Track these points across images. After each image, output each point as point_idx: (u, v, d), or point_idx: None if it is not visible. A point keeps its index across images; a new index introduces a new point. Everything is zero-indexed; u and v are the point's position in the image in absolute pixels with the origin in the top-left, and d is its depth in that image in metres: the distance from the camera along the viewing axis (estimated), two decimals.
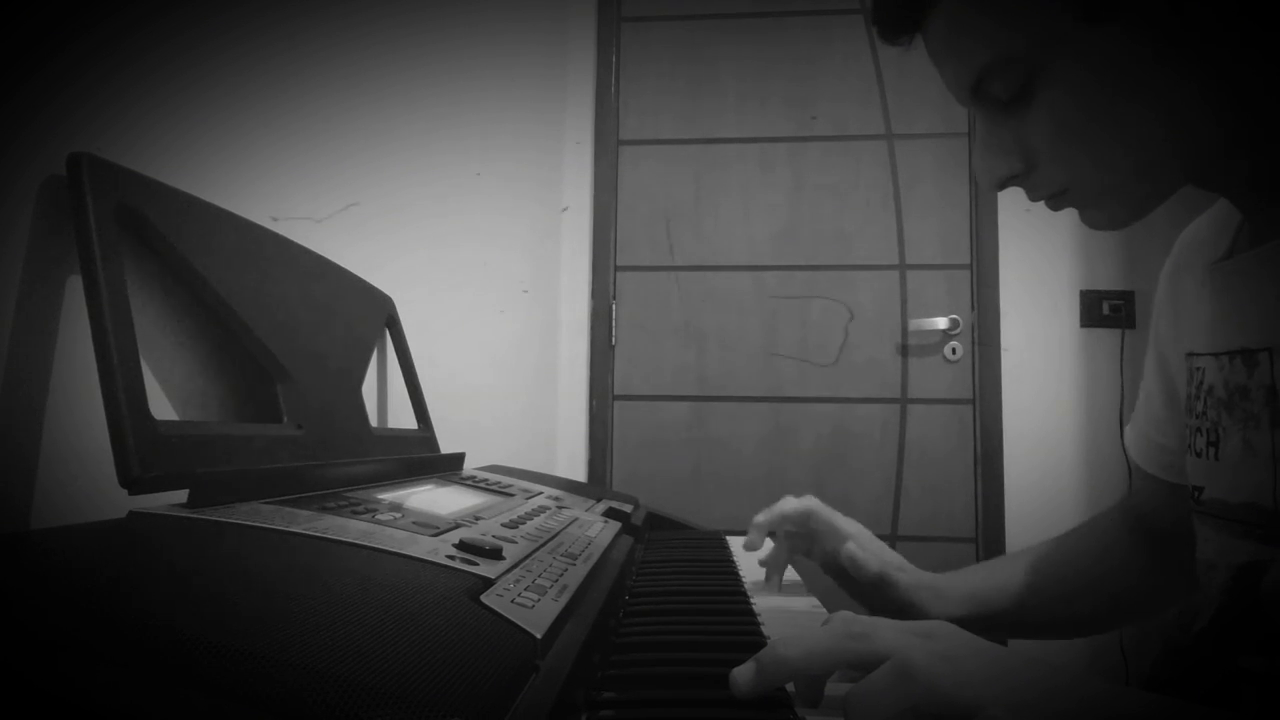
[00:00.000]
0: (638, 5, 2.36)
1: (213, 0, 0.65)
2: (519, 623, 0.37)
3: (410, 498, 0.60)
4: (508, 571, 0.45)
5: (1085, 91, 0.49)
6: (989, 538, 2.11)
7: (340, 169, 0.89)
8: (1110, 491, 2.06)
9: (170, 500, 0.43)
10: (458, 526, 0.53)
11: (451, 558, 0.43)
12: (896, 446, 2.18)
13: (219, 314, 0.57)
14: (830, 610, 0.57)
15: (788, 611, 0.68)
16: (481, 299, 1.45)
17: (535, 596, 0.42)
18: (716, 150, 2.31)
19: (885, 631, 0.39)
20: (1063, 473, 2.10)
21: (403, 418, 0.96)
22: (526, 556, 0.51)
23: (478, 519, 0.58)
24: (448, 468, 0.84)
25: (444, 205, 1.22)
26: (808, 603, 0.73)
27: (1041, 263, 2.16)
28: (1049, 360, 2.14)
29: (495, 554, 0.46)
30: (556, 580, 0.48)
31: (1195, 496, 0.60)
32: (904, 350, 2.20)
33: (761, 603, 0.69)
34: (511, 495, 0.77)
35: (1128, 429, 0.79)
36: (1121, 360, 2.09)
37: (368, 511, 0.50)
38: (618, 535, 0.76)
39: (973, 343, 2.18)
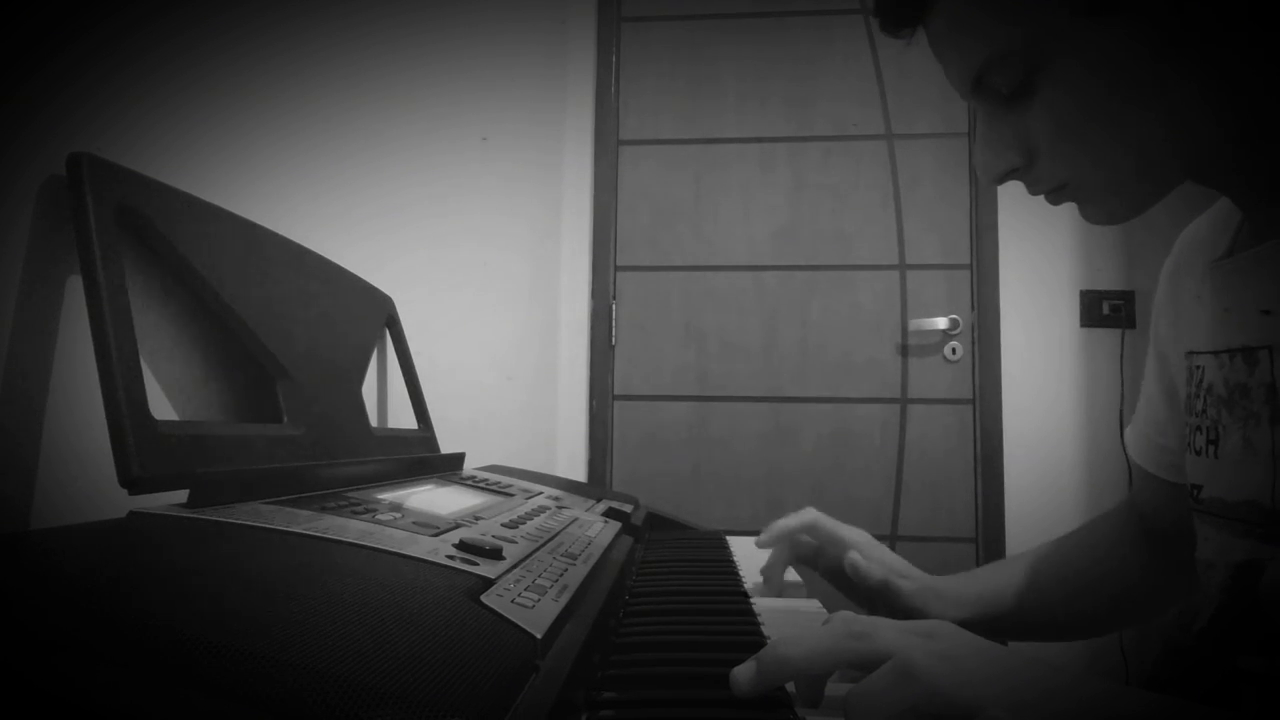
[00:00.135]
0: (638, 5, 2.36)
1: (213, 0, 0.65)
2: (519, 623, 0.37)
3: (410, 498, 0.60)
4: (508, 571, 0.45)
5: (1085, 90, 0.49)
6: (989, 538, 2.11)
7: (340, 169, 0.89)
8: (1110, 491, 2.06)
9: (170, 500, 0.43)
10: (458, 526, 0.53)
11: (451, 558, 0.43)
12: (896, 447, 2.18)
13: (219, 314, 0.57)
14: (830, 610, 0.57)
15: (788, 611, 0.68)
16: (481, 299, 1.45)
17: (535, 596, 0.42)
18: (716, 150, 2.31)
19: (886, 631, 0.39)
20: (1063, 473, 2.10)
21: (403, 418, 0.96)
22: (526, 556, 0.51)
23: (478, 519, 0.58)
24: (448, 468, 0.84)
25: (444, 205, 1.22)
26: (808, 603, 0.73)
27: (1041, 263, 2.16)
28: (1049, 360, 2.14)
29: (495, 554, 0.46)
30: (556, 580, 0.48)
31: (1194, 495, 0.60)
32: (904, 350, 2.20)
33: (761, 603, 0.69)
34: (511, 495, 0.77)
35: (1129, 429, 0.79)
36: (1121, 360, 2.09)
37: (368, 511, 0.50)
38: (618, 535, 0.76)
39: (973, 343, 2.18)
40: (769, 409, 2.22)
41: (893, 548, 0.78)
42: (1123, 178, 0.52)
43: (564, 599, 0.44)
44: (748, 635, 0.55)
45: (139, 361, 0.45)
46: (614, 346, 2.29)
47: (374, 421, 0.80)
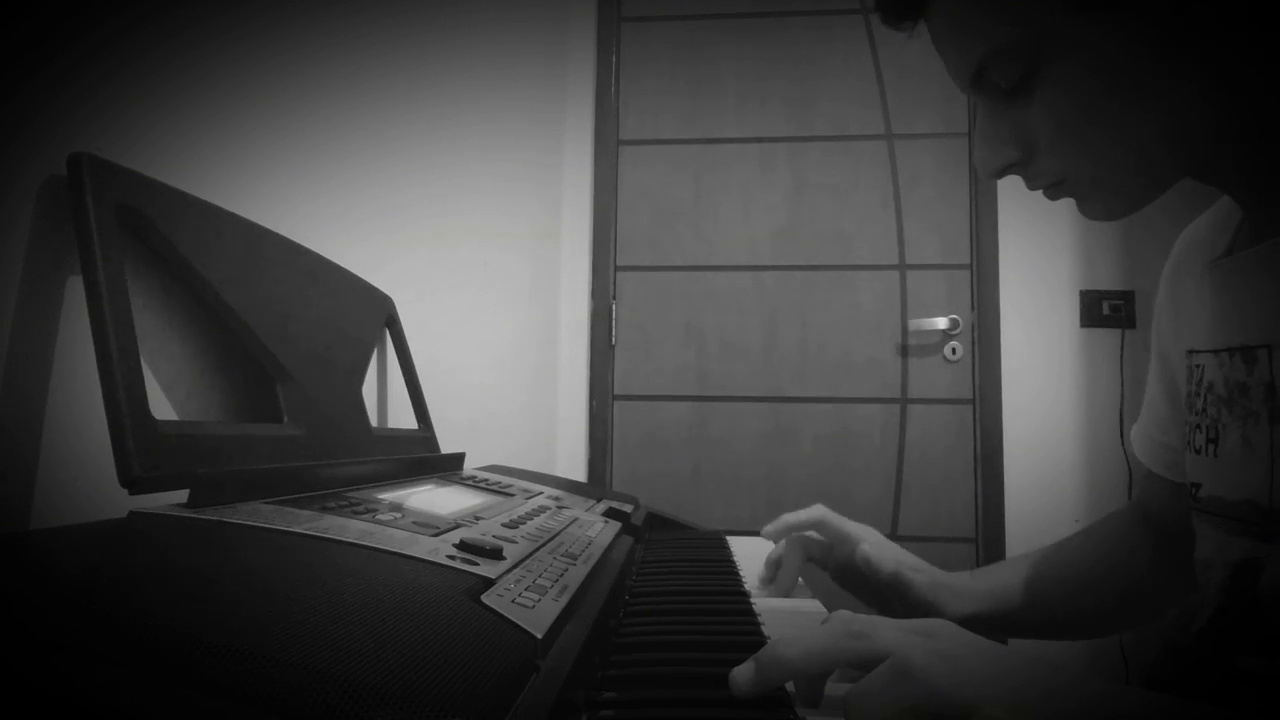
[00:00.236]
0: (638, 5, 2.36)
1: (213, 0, 0.65)
2: (519, 623, 0.37)
3: (410, 498, 0.60)
4: (508, 571, 0.45)
5: (1084, 88, 0.49)
6: (989, 538, 2.11)
7: (340, 169, 0.89)
8: (1110, 491, 2.06)
9: (170, 500, 0.43)
10: (458, 526, 0.53)
11: (452, 558, 0.43)
12: (896, 447, 2.18)
13: (219, 314, 0.57)
14: (830, 610, 0.57)
15: (788, 612, 0.68)
16: (481, 299, 1.45)
17: (535, 596, 0.42)
18: (716, 150, 2.31)
19: (885, 630, 0.39)
20: (1063, 473, 2.10)
21: (403, 418, 0.96)
22: (527, 556, 0.51)
23: (478, 519, 0.58)
24: (448, 468, 0.84)
25: (444, 205, 1.22)
26: (808, 603, 0.73)
27: (1041, 263, 2.16)
28: (1049, 360, 2.14)
29: (495, 554, 0.46)
30: (557, 580, 0.48)
31: (1193, 494, 0.60)
32: (904, 350, 2.20)
33: (761, 603, 0.69)
34: (511, 495, 0.77)
35: (1134, 428, 0.79)
36: (1121, 360, 2.09)
37: (368, 511, 0.50)
38: (618, 535, 0.76)
39: (973, 343, 2.18)
40: (769, 409, 2.22)
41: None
42: (1121, 175, 0.52)
43: (564, 599, 0.44)
44: (748, 635, 0.55)
45: (139, 361, 0.45)
46: (614, 346, 2.29)
47: (374, 421, 0.80)
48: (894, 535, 2.14)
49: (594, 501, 0.92)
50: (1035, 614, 0.76)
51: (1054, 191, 0.55)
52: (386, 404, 0.97)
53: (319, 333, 0.70)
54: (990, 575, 0.79)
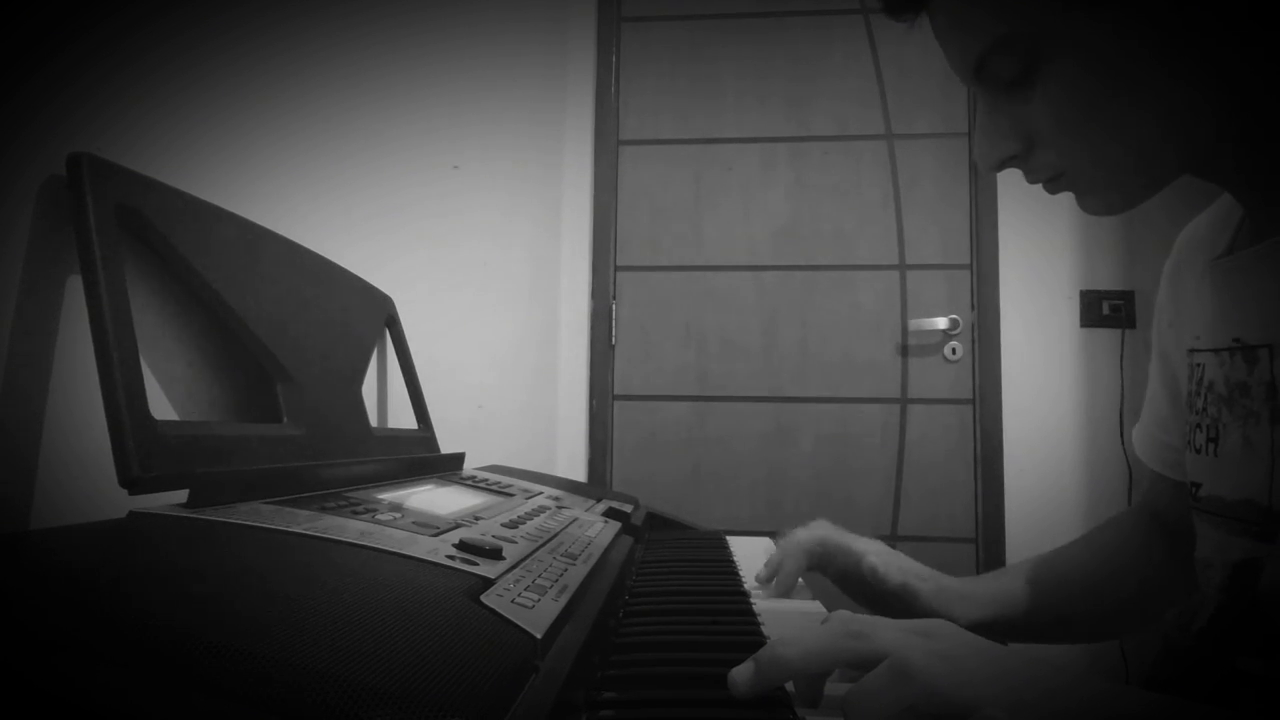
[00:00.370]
0: (638, 5, 2.36)
1: (213, 0, 0.65)
2: (519, 623, 0.37)
3: (410, 498, 0.60)
4: (508, 571, 0.45)
5: (1083, 86, 0.49)
6: (989, 538, 2.11)
7: (340, 169, 0.89)
8: (1110, 491, 2.06)
9: (170, 500, 0.43)
10: (458, 526, 0.53)
11: (451, 558, 0.43)
12: (896, 447, 2.18)
13: (219, 314, 0.57)
14: (830, 610, 0.57)
15: (787, 612, 0.68)
16: (481, 299, 1.45)
17: (535, 597, 0.42)
18: (716, 150, 2.31)
19: (884, 630, 0.39)
20: (1063, 473, 2.10)
21: (403, 418, 0.96)
22: (526, 556, 0.51)
23: (478, 519, 0.58)
24: (448, 468, 0.84)
25: (444, 205, 1.22)
26: (808, 603, 0.73)
27: (1041, 263, 2.16)
28: (1049, 360, 2.14)
29: (495, 554, 0.46)
30: (556, 580, 0.48)
31: (1193, 493, 0.60)
32: (904, 350, 2.20)
33: (761, 603, 0.69)
34: (511, 495, 0.77)
35: (1135, 428, 0.78)
36: (1121, 360, 2.09)
37: (368, 511, 0.50)
38: (618, 535, 0.76)
39: (973, 343, 2.18)
40: (769, 409, 2.22)
41: (892, 548, 0.78)
42: (1120, 171, 0.52)
43: (564, 599, 0.44)
44: (747, 635, 0.55)
45: (139, 361, 0.45)
46: (614, 346, 2.29)
47: (374, 421, 0.80)
48: (894, 535, 2.14)
49: (594, 501, 0.92)
50: (1044, 617, 0.76)
51: (1054, 185, 0.55)
52: (386, 404, 0.97)
53: (319, 333, 0.70)
54: (998, 580, 0.78)
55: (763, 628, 0.58)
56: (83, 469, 0.48)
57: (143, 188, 0.51)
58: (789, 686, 0.43)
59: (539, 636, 0.37)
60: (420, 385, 0.96)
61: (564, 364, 2.28)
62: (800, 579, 0.81)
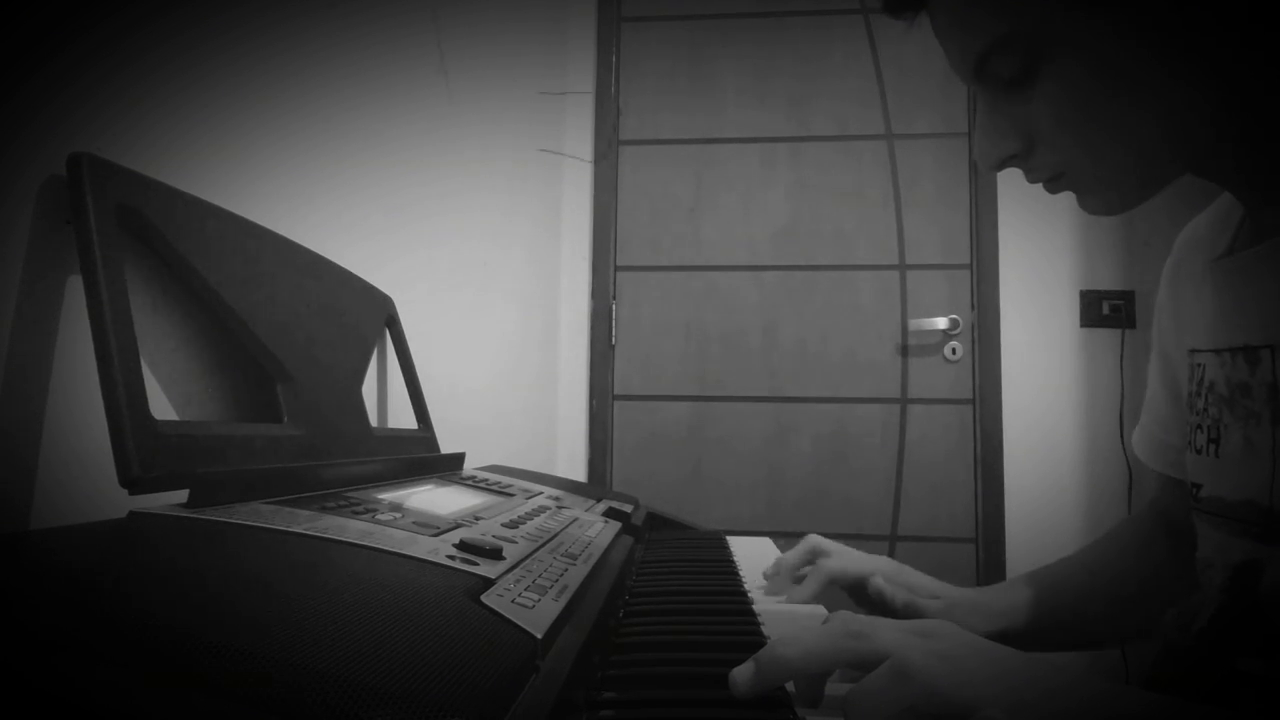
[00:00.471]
0: (638, 5, 2.36)
1: (213, 0, 0.65)
2: (519, 623, 0.37)
3: (410, 498, 0.60)
4: (508, 571, 0.45)
5: (1083, 85, 0.49)
6: (989, 538, 2.11)
7: (340, 169, 0.89)
8: (1110, 491, 2.06)
9: (170, 500, 0.43)
10: (458, 526, 0.53)
11: (452, 558, 0.43)
12: (896, 447, 2.18)
13: (219, 314, 0.57)
14: (831, 610, 0.57)
15: (788, 612, 0.68)
16: (481, 299, 1.45)
17: (535, 597, 0.42)
18: (716, 150, 2.31)
19: (884, 631, 0.39)
20: (1063, 473, 2.10)
21: (403, 418, 0.96)
22: (526, 557, 0.51)
23: (478, 519, 0.58)
24: (448, 468, 0.84)
25: (444, 205, 1.22)
26: (809, 605, 0.73)
27: (1041, 263, 2.16)
28: (1049, 360, 2.14)
29: (495, 554, 0.46)
30: (557, 580, 0.48)
31: (1194, 494, 0.60)
32: (904, 350, 2.20)
33: (761, 603, 0.69)
34: (511, 495, 0.77)
35: (1136, 429, 0.78)
36: (1121, 360, 2.09)
37: (368, 511, 0.50)
38: (618, 535, 0.76)
39: (973, 343, 2.18)
40: (769, 409, 2.22)
41: (892, 548, 0.78)
42: (1120, 171, 0.52)
43: (564, 599, 0.44)
44: (748, 635, 0.55)
45: (139, 361, 0.45)
46: (614, 346, 2.29)
47: (374, 421, 0.80)
48: (894, 535, 2.14)
49: (594, 501, 0.92)
50: (1052, 625, 0.74)
51: (1054, 185, 0.55)
52: (386, 404, 0.97)
53: (319, 333, 0.70)
54: (1009, 591, 0.77)
55: (763, 628, 0.58)
56: (83, 469, 0.48)
57: (143, 188, 0.51)
58: (789, 686, 0.43)
59: (539, 636, 0.37)
60: (420, 385, 0.96)
61: (564, 364, 2.28)
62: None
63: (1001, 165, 0.55)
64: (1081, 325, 2.13)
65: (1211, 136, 0.50)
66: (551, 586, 0.46)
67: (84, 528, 0.38)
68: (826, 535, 0.81)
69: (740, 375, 2.24)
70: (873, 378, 2.20)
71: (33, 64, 0.47)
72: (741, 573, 0.80)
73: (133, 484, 0.42)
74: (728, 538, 1.00)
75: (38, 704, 0.23)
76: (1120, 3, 0.46)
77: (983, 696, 0.35)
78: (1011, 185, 2.14)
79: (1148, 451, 0.76)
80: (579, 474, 2.25)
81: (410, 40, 1.09)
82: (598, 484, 2.20)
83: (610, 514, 0.87)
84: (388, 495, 0.59)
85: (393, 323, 0.93)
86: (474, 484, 0.77)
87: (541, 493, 0.86)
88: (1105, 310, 2.11)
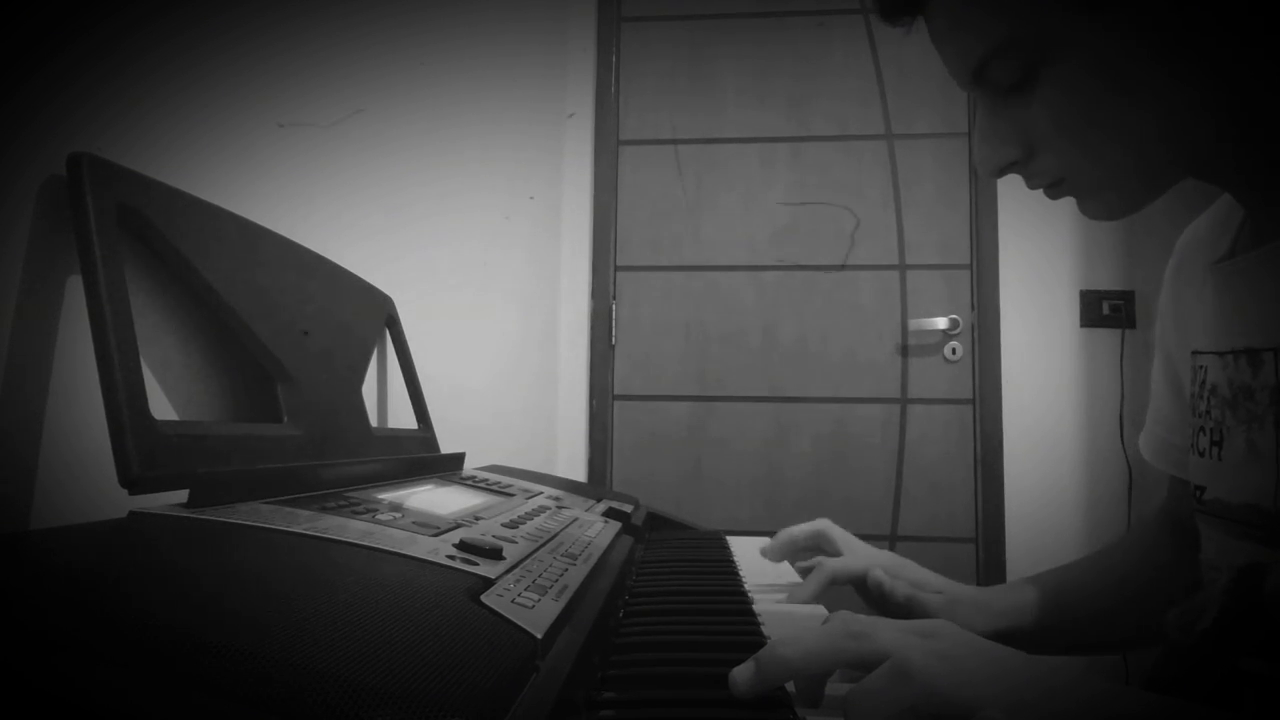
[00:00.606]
0: (638, 5, 2.36)
1: (213, 0, 0.65)
2: (519, 623, 0.37)
3: (410, 498, 0.60)
4: (508, 571, 0.45)
5: (1083, 88, 0.48)
6: (989, 538, 2.11)
7: (340, 168, 0.89)
8: (1110, 491, 2.06)
9: (170, 500, 0.43)
10: (458, 526, 0.53)
11: (452, 558, 0.43)
12: (896, 447, 2.18)
13: (219, 314, 0.57)
14: (831, 610, 0.57)
15: (788, 612, 0.68)
16: (481, 299, 1.45)
17: (535, 596, 0.42)
18: (716, 150, 2.31)
19: (884, 631, 0.39)
20: (1063, 473, 2.10)
21: (403, 418, 0.96)
22: (526, 556, 0.51)
23: (478, 519, 0.58)
24: (448, 468, 0.84)
25: (444, 205, 1.22)
26: (809, 605, 0.73)
27: (1041, 263, 2.16)
28: (1049, 360, 2.14)
29: (495, 554, 0.46)
30: (557, 580, 0.48)
31: (1198, 496, 0.60)
32: (904, 350, 2.20)
33: (761, 603, 0.69)
34: (511, 495, 0.77)
35: (1142, 433, 0.78)
36: (1121, 360, 2.09)
37: (368, 511, 0.50)
38: (618, 535, 0.76)
39: (973, 343, 2.18)
40: (769, 409, 2.22)
41: (892, 548, 0.78)
42: (1121, 174, 0.51)
43: (564, 599, 0.44)
44: (748, 635, 0.55)
45: (139, 361, 0.45)
46: (614, 346, 2.29)
47: (374, 421, 0.80)
48: (894, 535, 2.14)
49: (594, 501, 0.92)
50: (1057, 626, 0.74)
51: (1054, 191, 0.55)
52: (386, 404, 0.97)
53: (319, 333, 0.70)
54: (1014, 591, 0.77)
55: (763, 628, 0.58)
56: (83, 469, 0.48)
57: (143, 188, 0.51)
58: (789, 687, 0.43)
59: (539, 636, 0.37)
60: (420, 385, 0.96)
61: (564, 364, 2.28)
62: (799, 576, 0.81)
63: (1002, 172, 0.54)
64: (1081, 325, 2.13)
65: (1212, 137, 0.50)
66: (551, 586, 0.46)
67: (84, 528, 0.38)
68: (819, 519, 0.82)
69: (740, 375, 2.24)
70: (873, 378, 2.20)
71: (33, 64, 0.47)
72: (741, 573, 0.80)
73: (133, 484, 0.42)
74: (728, 538, 1.00)
75: (38, 704, 0.23)
76: (1120, 4, 0.46)
77: (983, 696, 0.35)
78: (1012, 185, 2.14)
79: (1153, 452, 0.76)
80: (579, 474, 2.25)
81: (410, 40, 1.09)
82: (598, 484, 2.20)
83: (610, 514, 0.87)
84: (388, 495, 0.59)
85: (393, 323, 0.93)
86: (474, 484, 0.77)
87: (541, 493, 0.86)
88: (1105, 310, 2.11)
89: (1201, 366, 0.60)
